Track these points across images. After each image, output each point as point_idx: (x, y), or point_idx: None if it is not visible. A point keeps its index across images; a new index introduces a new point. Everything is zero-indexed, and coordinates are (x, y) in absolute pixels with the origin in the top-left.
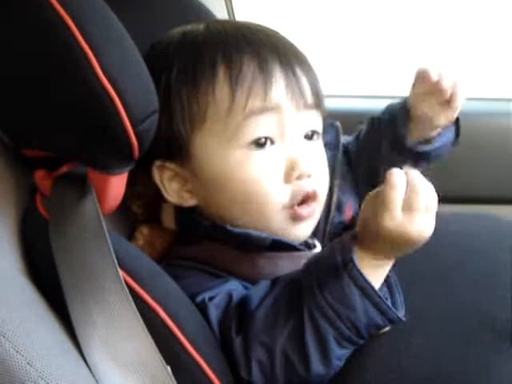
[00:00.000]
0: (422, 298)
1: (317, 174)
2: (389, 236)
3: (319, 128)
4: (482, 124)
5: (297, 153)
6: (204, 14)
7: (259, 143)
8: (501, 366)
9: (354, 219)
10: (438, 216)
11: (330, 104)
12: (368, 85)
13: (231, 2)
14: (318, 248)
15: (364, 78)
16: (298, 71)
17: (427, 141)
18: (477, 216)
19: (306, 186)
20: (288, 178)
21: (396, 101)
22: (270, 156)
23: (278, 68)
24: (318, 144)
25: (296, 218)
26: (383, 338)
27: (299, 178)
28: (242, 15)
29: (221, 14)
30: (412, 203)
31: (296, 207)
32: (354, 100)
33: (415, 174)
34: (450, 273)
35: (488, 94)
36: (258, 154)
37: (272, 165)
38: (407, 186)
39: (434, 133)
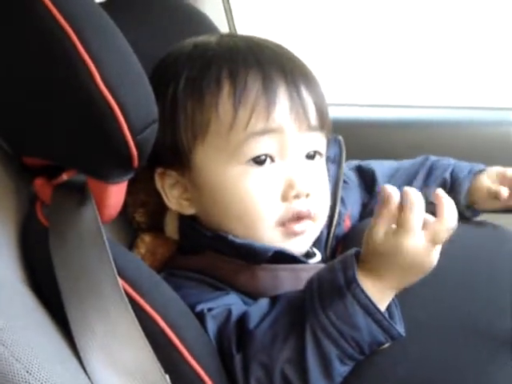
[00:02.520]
0: (419, 307)
1: (315, 194)
2: (405, 256)
3: (322, 149)
4: (482, 133)
5: (296, 172)
6: (205, 22)
7: (259, 160)
8: (498, 374)
9: (352, 229)
10: None
11: (333, 113)
12: (371, 93)
13: (231, 14)
14: (318, 257)
15: (367, 86)
16: (304, 92)
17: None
18: (475, 224)
19: (301, 205)
20: (285, 196)
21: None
22: (269, 174)
23: (283, 88)
24: (320, 164)
25: (289, 234)
26: None
27: (297, 197)
28: (243, 26)
29: (220, 23)
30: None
31: (288, 224)
32: (357, 109)
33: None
34: (447, 281)
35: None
36: (256, 171)
37: (270, 183)
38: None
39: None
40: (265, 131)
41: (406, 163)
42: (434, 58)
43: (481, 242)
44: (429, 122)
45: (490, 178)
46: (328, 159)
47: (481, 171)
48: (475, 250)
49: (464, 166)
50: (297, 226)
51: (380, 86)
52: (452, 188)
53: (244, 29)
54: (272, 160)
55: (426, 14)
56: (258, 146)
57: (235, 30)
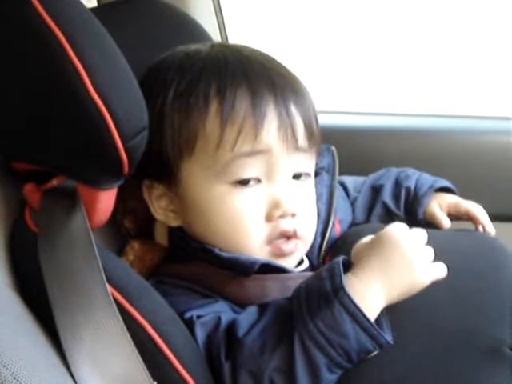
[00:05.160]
0: (406, 315)
1: (302, 214)
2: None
3: (310, 169)
4: (478, 142)
5: (282, 192)
6: (196, 29)
7: (245, 182)
8: (484, 381)
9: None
10: (430, 233)
11: (325, 120)
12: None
13: (223, 20)
14: (305, 264)
15: (360, 93)
16: (293, 110)
17: None
18: (465, 233)
19: (287, 224)
20: (270, 216)
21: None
22: (254, 194)
23: (272, 107)
24: (307, 184)
25: (277, 254)
26: None
27: (282, 216)
28: (234, 32)
29: (212, 29)
30: None
31: (276, 243)
32: (348, 116)
33: None
34: (435, 289)
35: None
36: (242, 191)
37: (255, 203)
38: None
39: None
40: (252, 153)
41: (371, 177)
42: (430, 66)
43: (470, 252)
44: (421, 130)
45: (440, 204)
46: (322, 169)
47: (438, 189)
48: (465, 260)
49: (427, 179)
50: (286, 246)
51: (375, 93)
52: (414, 199)
53: (235, 35)
54: (258, 181)
55: (420, 21)
56: (245, 168)
57: (226, 37)
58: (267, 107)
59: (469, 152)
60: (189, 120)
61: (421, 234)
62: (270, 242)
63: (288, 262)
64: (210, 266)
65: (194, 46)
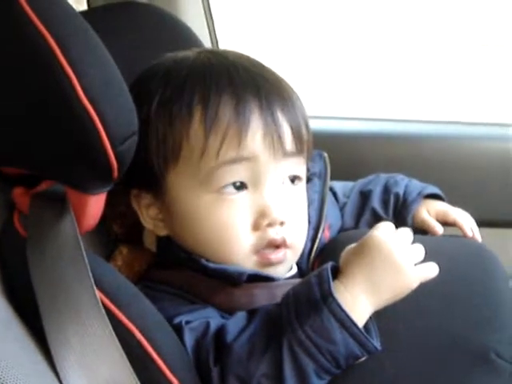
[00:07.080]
0: (396, 321)
1: (291, 221)
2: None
3: (301, 173)
4: (480, 148)
5: (269, 200)
6: (187, 33)
7: (230, 189)
8: None
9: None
10: (418, 239)
11: (315, 126)
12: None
13: (213, 25)
14: (294, 269)
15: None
16: (280, 116)
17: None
18: (452, 239)
19: (274, 233)
20: (257, 225)
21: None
22: (241, 202)
23: (256, 114)
24: (298, 189)
25: (265, 264)
26: None
27: (270, 225)
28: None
29: (202, 33)
30: None
31: (263, 253)
32: (341, 122)
33: None
34: (424, 295)
35: (469, 118)
36: (228, 199)
37: (241, 212)
38: None
39: None
40: (236, 160)
41: (359, 182)
42: (411, 73)
43: (458, 258)
44: (413, 136)
45: (429, 211)
46: (314, 174)
47: (428, 196)
48: (452, 265)
49: (416, 186)
50: (273, 256)
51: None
52: (403, 205)
53: (225, 38)
54: (245, 188)
55: (417, 25)
56: (230, 175)
57: (217, 41)
58: (252, 114)
59: (461, 158)
60: (173, 128)
61: (406, 234)
62: (257, 251)
63: (277, 271)
64: (197, 274)
65: (181, 53)
